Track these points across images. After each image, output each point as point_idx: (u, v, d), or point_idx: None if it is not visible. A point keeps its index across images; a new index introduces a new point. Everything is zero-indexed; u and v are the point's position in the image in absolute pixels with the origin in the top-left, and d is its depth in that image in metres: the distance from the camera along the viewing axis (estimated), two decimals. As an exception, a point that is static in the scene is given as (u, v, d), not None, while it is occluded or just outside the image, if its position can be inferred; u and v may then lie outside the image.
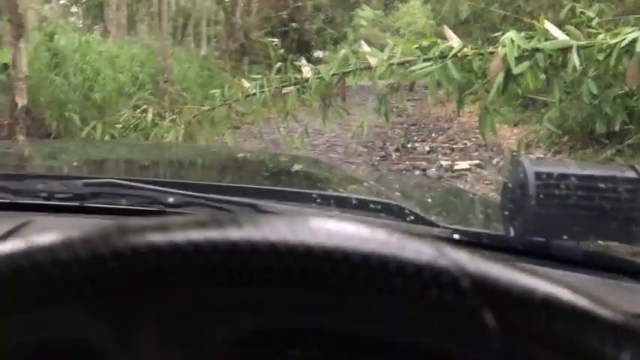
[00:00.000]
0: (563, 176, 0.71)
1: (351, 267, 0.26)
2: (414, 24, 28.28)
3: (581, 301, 0.27)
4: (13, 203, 0.87)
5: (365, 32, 39.85)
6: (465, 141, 9.20)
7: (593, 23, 3.94)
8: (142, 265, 0.27)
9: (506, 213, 0.77)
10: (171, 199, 0.86)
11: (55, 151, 1.81)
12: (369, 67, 4.82)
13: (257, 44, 16.49)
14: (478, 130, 9.38)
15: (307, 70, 5.00)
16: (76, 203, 0.87)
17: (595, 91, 3.85)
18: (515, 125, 10.19)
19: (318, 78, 5.04)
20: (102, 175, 1.21)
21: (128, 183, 0.88)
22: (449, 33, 4.14)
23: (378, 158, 7.50)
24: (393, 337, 0.27)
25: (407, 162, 7.21)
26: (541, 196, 0.70)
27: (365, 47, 4.47)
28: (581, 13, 4.26)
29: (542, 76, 4.60)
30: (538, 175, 0.71)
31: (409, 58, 4.48)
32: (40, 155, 1.66)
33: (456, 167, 6.84)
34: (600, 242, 0.82)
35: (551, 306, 0.26)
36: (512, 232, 0.76)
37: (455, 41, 4.22)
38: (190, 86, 10.86)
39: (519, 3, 9.73)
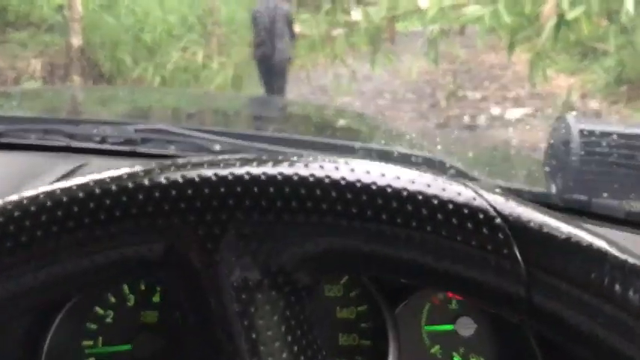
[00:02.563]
0: (607, 134, 0.71)
1: (401, 202, 0.31)
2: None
3: (597, 242, 0.30)
4: (68, 147, 0.90)
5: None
6: (519, 89, 8.94)
7: None
8: (229, 193, 0.30)
9: (548, 169, 0.78)
10: (217, 147, 0.89)
11: (107, 96, 1.86)
12: (419, 10, 4.71)
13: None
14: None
15: (357, 13, 4.92)
16: (127, 148, 0.90)
17: None
18: (573, 74, 9.82)
19: (367, 21, 4.95)
20: (152, 121, 1.24)
21: (177, 130, 0.92)
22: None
23: (426, 106, 7.38)
24: (433, 263, 0.31)
25: (457, 110, 7.08)
26: (583, 153, 0.70)
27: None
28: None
29: (600, 22, 4.38)
30: (582, 133, 0.71)
31: (461, 1, 4.35)
32: (93, 100, 1.70)
33: (507, 116, 6.69)
34: None
35: (570, 245, 0.30)
36: (553, 189, 0.76)
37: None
38: (238, 29, 10.81)
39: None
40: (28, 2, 7.08)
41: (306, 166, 0.31)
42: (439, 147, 1.40)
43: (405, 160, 0.93)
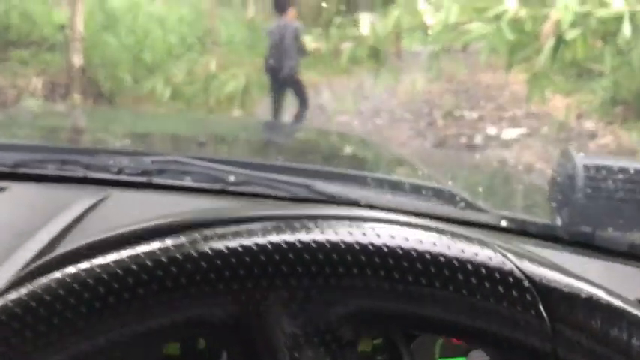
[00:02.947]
0: (611, 170, 0.73)
1: (436, 267, 0.34)
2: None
3: (616, 301, 0.34)
4: (86, 178, 0.92)
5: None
6: (515, 109, 9.02)
7: None
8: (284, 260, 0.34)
9: (554, 204, 0.80)
10: (232, 178, 0.92)
11: (118, 120, 1.88)
12: (424, 27, 4.80)
13: (303, 6, 16.36)
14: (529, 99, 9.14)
15: (365, 25, 5.01)
16: (144, 179, 0.92)
17: None
18: (568, 95, 9.92)
19: (374, 35, 5.02)
20: (167, 149, 1.29)
21: (191, 162, 0.94)
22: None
23: (424, 125, 7.45)
24: (463, 321, 0.35)
25: (454, 129, 7.14)
26: (588, 189, 0.73)
27: (422, 5, 4.51)
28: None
29: (595, 44, 4.46)
30: (586, 168, 0.73)
31: (464, 20, 4.44)
32: (104, 124, 1.72)
33: (503, 136, 6.75)
34: None
35: (590, 304, 0.34)
36: (559, 222, 0.79)
37: (511, 2, 4.18)
38: (237, 48, 10.91)
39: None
40: (30, 21, 7.16)
41: (336, 233, 0.35)
42: (443, 171, 1.45)
43: (416, 192, 0.97)
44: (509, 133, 6.91)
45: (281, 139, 1.81)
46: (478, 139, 6.55)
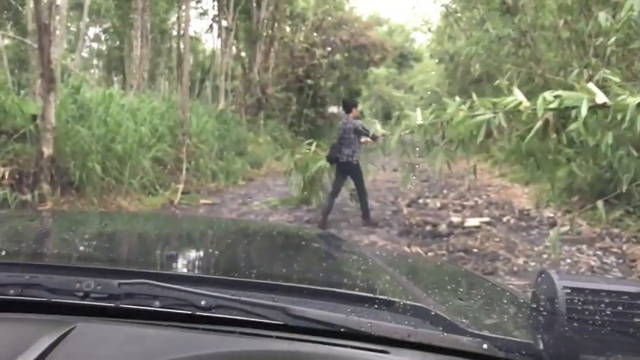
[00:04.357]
0: (593, 292, 0.74)
1: None
2: (427, 82, 28.90)
3: None
4: (50, 303, 0.88)
5: (379, 89, 40.28)
6: (476, 198, 9.32)
7: (614, 86, 4.16)
8: None
9: (536, 325, 0.80)
10: (203, 302, 0.88)
11: (85, 223, 1.80)
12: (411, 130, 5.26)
13: (273, 99, 16.93)
14: (489, 188, 9.51)
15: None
16: (112, 304, 0.89)
17: (610, 143, 4.04)
18: (527, 184, 10.32)
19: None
20: (132, 266, 1.24)
21: (160, 284, 0.90)
22: (456, 99, 4.53)
23: (389, 213, 7.61)
24: None
25: (418, 217, 7.31)
26: (572, 314, 0.73)
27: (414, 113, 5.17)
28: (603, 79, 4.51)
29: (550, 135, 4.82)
30: (567, 291, 0.74)
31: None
32: (71, 233, 1.64)
33: (466, 224, 6.92)
34: (629, 358, 0.83)
35: None
36: (541, 345, 0.77)
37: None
38: (208, 139, 11.16)
39: (531, 65, 10.03)
40: (1, 111, 7.24)
41: None
42: (421, 287, 1.38)
43: (395, 311, 0.94)
44: (472, 221, 7.09)
45: (251, 238, 1.78)
46: (443, 227, 6.70)
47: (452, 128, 4.71)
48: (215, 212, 7.84)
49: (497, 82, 6.02)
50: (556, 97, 4.04)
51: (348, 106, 7.33)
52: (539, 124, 4.07)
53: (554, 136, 4.40)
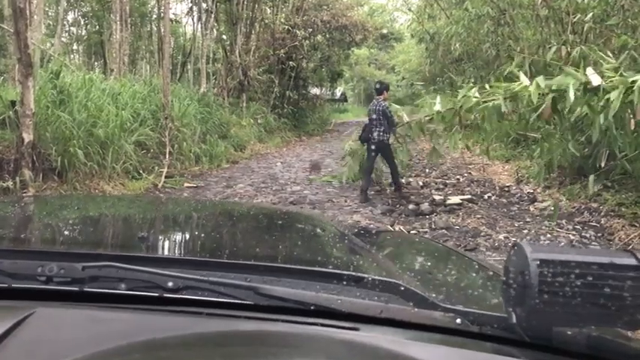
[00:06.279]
0: (564, 264, 0.73)
1: None
2: (408, 62, 28.88)
3: None
4: (9, 289, 0.85)
5: (361, 70, 40.24)
6: (458, 176, 9.44)
7: (607, 66, 4.30)
8: None
9: (508, 298, 0.79)
10: (170, 284, 0.86)
11: (45, 211, 1.74)
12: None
13: (255, 81, 16.85)
14: (470, 166, 9.63)
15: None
16: (76, 288, 0.86)
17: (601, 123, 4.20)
18: (507, 161, 10.45)
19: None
20: (99, 248, 1.20)
21: (126, 266, 0.87)
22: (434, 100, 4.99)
23: (372, 192, 7.68)
24: None
25: (400, 196, 7.40)
26: (543, 286, 0.72)
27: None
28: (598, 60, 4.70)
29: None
30: (539, 264, 0.73)
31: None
32: (37, 221, 1.60)
33: (448, 202, 7.02)
34: (601, 329, 0.84)
35: None
36: (514, 318, 0.77)
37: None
38: (190, 122, 11.11)
39: (509, 43, 10.09)
40: (-21, 99, 7.15)
41: None
42: (395, 263, 1.38)
43: (367, 286, 0.93)
44: (454, 199, 7.18)
45: (226, 222, 1.76)
46: (425, 206, 6.78)
47: (466, 113, 4.92)
48: (199, 195, 7.85)
49: (508, 68, 6.29)
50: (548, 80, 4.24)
51: (380, 89, 7.59)
52: (544, 105, 4.24)
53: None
